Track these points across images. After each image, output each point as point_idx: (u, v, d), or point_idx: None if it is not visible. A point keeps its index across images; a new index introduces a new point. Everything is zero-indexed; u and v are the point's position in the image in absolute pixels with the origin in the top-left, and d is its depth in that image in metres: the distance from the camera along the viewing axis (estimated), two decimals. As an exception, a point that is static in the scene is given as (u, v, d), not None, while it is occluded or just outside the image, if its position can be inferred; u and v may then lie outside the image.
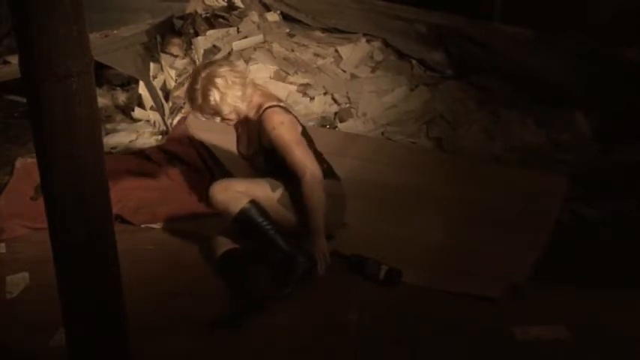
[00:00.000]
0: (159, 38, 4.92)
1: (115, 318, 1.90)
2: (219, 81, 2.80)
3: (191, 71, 3.04)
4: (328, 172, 2.99)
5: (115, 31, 5.14)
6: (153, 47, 4.85)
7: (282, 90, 4.47)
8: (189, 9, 5.29)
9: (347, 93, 4.50)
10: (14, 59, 4.73)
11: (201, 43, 4.87)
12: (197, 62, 4.68)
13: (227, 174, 3.60)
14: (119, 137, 4.38)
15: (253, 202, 2.83)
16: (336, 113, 4.38)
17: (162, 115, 4.40)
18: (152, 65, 4.71)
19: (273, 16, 5.19)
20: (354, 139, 4.08)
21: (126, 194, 3.44)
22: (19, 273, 2.93)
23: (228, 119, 2.90)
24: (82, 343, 1.90)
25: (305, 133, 2.98)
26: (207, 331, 2.53)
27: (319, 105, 4.46)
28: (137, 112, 4.62)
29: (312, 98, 4.49)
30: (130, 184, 3.53)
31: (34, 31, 1.57)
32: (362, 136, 4.14)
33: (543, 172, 3.70)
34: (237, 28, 5.00)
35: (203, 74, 2.83)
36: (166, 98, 4.49)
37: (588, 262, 2.97)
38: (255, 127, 2.94)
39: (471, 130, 4.14)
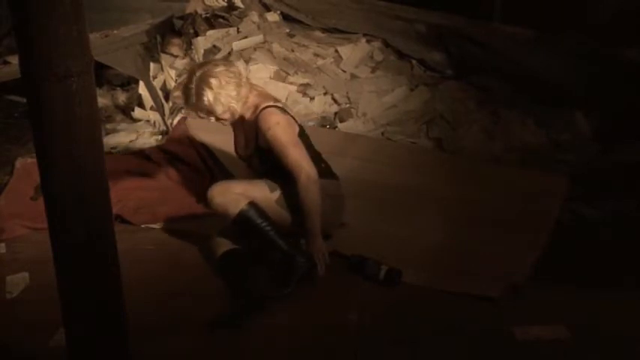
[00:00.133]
0: (159, 38, 4.92)
1: (115, 318, 1.90)
2: (213, 81, 2.80)
3: (187, 70, 3.04)
4: (326, 171, 2.99)
5: (115, 31, 5.14)
6: (153, 47, 4.85)
7: (282, 90, 4.47)
8: (189, 9, 5.30)
9: (347, 93, 4.50)
10: (14, 59, 4.73)
11: (202, 43, 4.87)
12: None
13: (227, 174, 3.61)
14: (119, 137, 4.38)
15: (252, 204, 2.83)
16: (336, 113, 4.38)
17: (163, 115, 4.40)
18: (152, 65, 4.71)
19: (273, 17, 5.19)
20: (354, 139, 4.08)
21: (126, 194, 3.44)
22: (19, 273, 2.93)
23: (222, 119, 2.90)
24: (82, 343, 1.90)
25: (303, 133, 2.98)
26: (207, 331, 2.53)
27: (319, 105, 4.46)
28: (137, 112, 4.62)
29: (312, 98, 4.49)
30: (130, 184, 3.53)
31: (34, 31, 1.57)
32: (362, 136, 4.14)
33: (543, 172, 3.70)
34: (237, 29, 5.01)
35: (198, 73, 2.83)
36: (166, 98, 4.49)
37: (588, 262, 2.97)
38: (252, 128, 2.94)
39: (471, 130, 4.14)
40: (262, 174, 2.98)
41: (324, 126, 4.30)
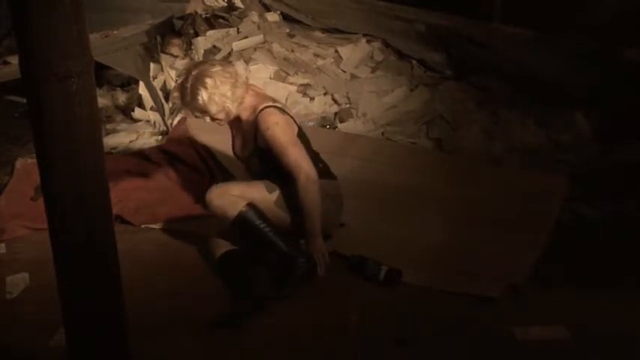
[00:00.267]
0: (159, 39, 4.92)
1: (115, 318, 1.90)
2: (208, 80, 2.80)
3: (184, 69, 3.04)
4: (325, 172, 2.99)
5: (115, 32, 5.14)
6: (153, 48, 4.85)
7: (282, 90, 4.47)
8: (189, 9, 5.30)
9: (347, 93, 4.50)
10: (14, 60, 4.73)
11: (202, 43, 4.87)
12: (197, 63, 4.68)
13: (227, 174, 3.61)
14: (119, 137, 4.38)
15: (251, 206, 2.83)
16: (336, 113, 4.38)
17: (163, 115, 4.41)
18: (152, 65, 4.72)
19: (273, 17, 5.20)
20: (354, 139, 4.08)
21: (126, 195, 3.44)
22: (19, 273, 2.93)
23: (217, 119, 2.90)
24: (82, 343, 1.90)
25: (302, 133, 2.98)
26: (207, 331, 2.53)
27: (319, 105, 4.46)
28: (137, 113, 4.62)
29: (312, 98, 4.49)
30: (130, 184, 3.53)
31: (34, 31, 1.57)
32: (362, 136, 4.14)
33: (543, 173, 3.70)
34: (237, 29, 5.01)
35: (194, 73, 2.83)
36: (166, 99, 4.49)
37: (588, 262, 2.97)
38: (251, 129, 2.94)
39: (470, 131, 4.14)
40: (261, 175, 2.98)
41: (324, 126, 4.30)
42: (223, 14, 5.18)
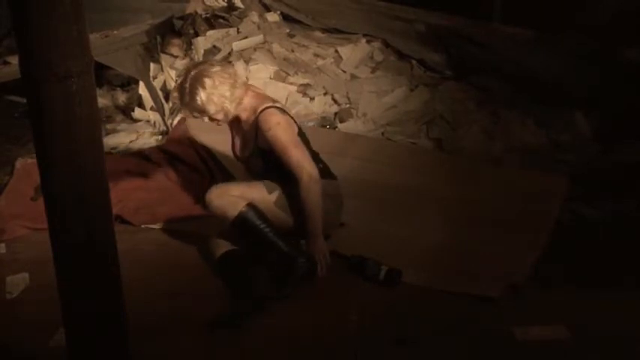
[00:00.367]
0: (159, 39, 4.92)
1: (115, 318, 1.90)
2: (206, 80, 2.80)
3: (184, 69, 3.04)
4: (324, 172, 2.99)
5: (115, 32, 5.15)
6: (153, 48, 4.85)
7: (283, 90, 4.47)
8: (190, 9, 5.30)
9: (347, 93, 4.50)
10: (14, 60, 4.73)
11: (202, 43, 4.87)
12: (197, 63, 4.68)
13: (227, 175, 3.61)
14: (119, 137, 4.38)
15: (251, 206, 2.83)
16: (336, 113, 4.38)
17: (163, 115, 4.41)
18: (152, 66, 4.72)
19: (273, 17, 5.20)
20: (354, 139, 4.08)
21: (126, 195, 3.44)
22: (19, 273, 2.93)
23: (215, 119, 2.90)
24: (82, 343, 1.90)
25: (301, 133, 2.98)
26: (207, 331, 2.53)
27: (319, 105, 4.46)
28: (137, 113, 4.62)
29: (312, 98, 4.49)
30: (130, 184, 3.53)
31: (34, 31, 1.57)
32: (362, 136, 4.14)
33: (543, 173, 3.70)
34: (237, 29, 5.01)
35: (193, 73, 2.83)
36: (166, 99, 4.49)
37: (588, 262, 2.97)
38: (251, 129, 2.94)
39: (470, 131, 4.14)
40: (261, 175, 2.98)
41: (324, 126, 4.30)
42: (223, 14, 5.18)
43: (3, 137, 4.41)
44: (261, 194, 2.89)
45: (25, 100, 1.72)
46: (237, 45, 4.80)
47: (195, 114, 2.90)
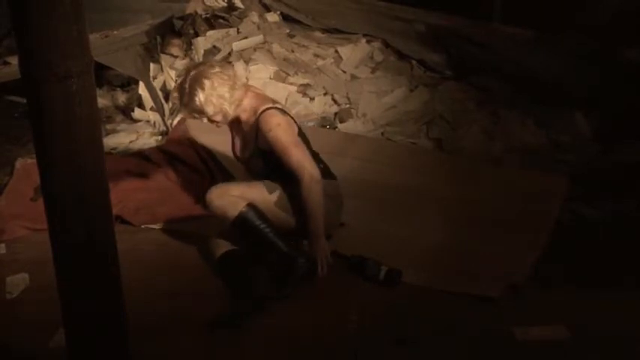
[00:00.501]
0: (159, 39, 4.92)
1: (115, 318, 1.90)
2: (205, 82, 2.81)
3: (184, 69, 3.05)
4: (324, 172, 2.99)
5: (115, 32, 5.15)
6: (153, 48, 4.85)
7: (282, 90, 4.47)
8: (189, 9, 5.30)
9: (347, 93, 4.50)
10: (14, 60, 4.73)
11: (201, 43, 4.87)
12: (197, 63, 4.68)
13: (227, 175, 3.61)
14: (119, 138, 4.38)
15: (251, 206, 2.83)
16: (336, 114, 4.38)
17: (162, 115, 4.41)
18: (152, 66, 4.72)
19: (273, 17, 5.20)
20: (353, 139, 4.08)
21: (126, 195, 3.44)
22: (19, 274, 2.93)
23: (214, 121, 2.90)
24: (82, 343, 1.90)
25: (301, 133, 2.98)
26: (207, 331, 2.53)
27: (319, 105, 4.46)
28: (137, 113, 4.62)
29: (312, 99, 4.49)
30: (130, 185, 3.53)
31: (34, 31, 1.57)
32: (362, 136, 4.14)
33: (543, 173, 3.70)
34: (237, 29, 5.01)
35: (192, 74, 2.84)
36: (166, 99, 4.49)
37: (588, 262, 2.97)
38: (252, 130, 2.94)
39: (470, 131, 4.14)
40: (262, 175, 2.98)
41: (324, 126, 4.30)
42: (223, 14, 5.18)
43: (3, 137, 4.41)
44: (262, 194, 2.89)
45: (25, 101, 1.72)
46: (237, 45, 4.80)
47: (195, 115, 2.90)
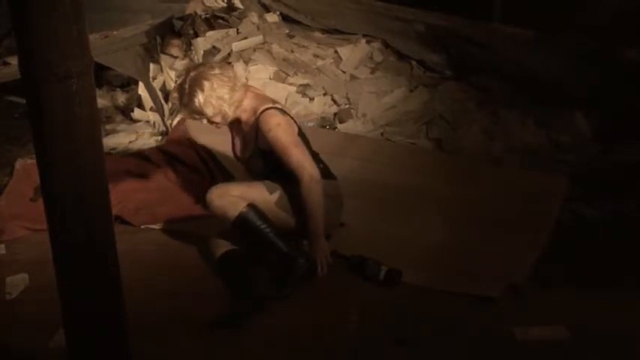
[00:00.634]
0: (159, 39, 4.92)
1: (115, 318, 1.90)
2: (205, 83, 2.81)
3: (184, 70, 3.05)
4: (324, 172, 2.99)
5: (115, 32, 5.15)
6: (153, 48, 4.85)
7: (282, 91, 4.47)
8: (189, 10, 5.30)
9: (346, 94, 4.50)
10: (14, 60, 4.73)
11: (201, 44, 4.87)
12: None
13: (227, 175, 3.61)
14: (119, 138, 4.38)
15: (251, 206, 2.83)
16: (335, 114, 4.38)
17: (162, 116, 4.41)
18: (152, 66, 4.72)
19: (272, 17, 5.20)
20: (353, 139, 4.08)
21: (126, 195, 3.44)
22: (18, 274, 2.93)
23: (214, 122, 2.91)
24: (82, 343, 1.90)
25: (301, 133, 2.98)
26: (207, 331, 2.53)
27: (319, 106, 4.46)
28: (137, 113, 4.62)
29: (311, 99, 4.49)
30: (129, 185, 3.53)
31: (34, 31, 1.57)
32: (361, 136, 4.14)
33: (543, 173, 3.70)
34: (237, 29, 5.01)
35: (192, 74, 2.84)
36: (166, 99, 4.49)
37: (588, 262, 2.97)
38: (252, 130, 2.94)
39: (470, 131, 4.14)
40: (262, 176, 2.98)
41: (323, 127, 4.30)
42: (223, 15, 5.17)
43: (3, 138, 4.41)
44: (262, 194, 2.89)
45: (24, 101, 1.72)
46: (236, 45, 4.80)
47: (194, 115, 2.90)
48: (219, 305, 2.68)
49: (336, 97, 4.49)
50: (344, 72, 4.69)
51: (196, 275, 2.92)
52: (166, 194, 3.54)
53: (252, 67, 4.62)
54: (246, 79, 4.47)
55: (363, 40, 4.94)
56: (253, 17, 5.11)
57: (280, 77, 4.60)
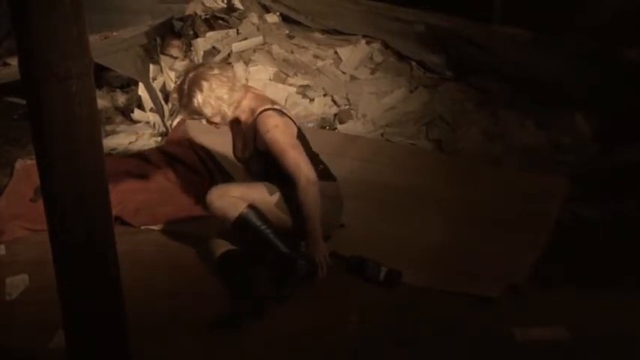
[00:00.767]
0: (158, 40, 4.92)
1: (115, 318, 1.90)
2: (204, 83, 2.81)
3: (183, 71, 3.05)
4: (324, 173, 2.99)
5: (115, 33, 5.15)
6: (152, 49, 4.85)
7: (282, 91, 4.48)
8: (189, 10, 5.30)
9: (346, 94, 4.50)
10: (14, 61, 4.73)
11: (201, 44, 4.87)
12: (197, 64, 4.68)
13: (227, 176, 3.61)
14: (119, 139, 4.38)
15: (251, 207, 2.83)
16: (335, 115, 4.38)
17: (162, 116, 4.41)
18: (152, 67, 4.72)
19: (272, 18, 5.20)
20: (353, 140, 4.08)
21: (126, 196, 3.44)
22: (18, 275, 2.93)
23: (213, 122, 2.91)
24: (82, 343, 1.90)
25: (301, 134, 2.98)
26: (207, 331, 2.53)
27: (319, 106, 4.46)
28: (137, 114, 4.62)
29: (311, 100, 4.49)
30: (129, 186, 3.53)
31: (34, 31, 1.57)
32: (361, 137, 4.14)
33: (543, 173, 3.70)
34: (237, 30, 5.01)
35: (191, 75, 2.84)
36: (166, 100, 4.49)
37: (588, 262, 2.97)
38: (250, 131, 2.94)
39: (470, 132, 4.14)
40: (261, 176, 2.98)
41: (323, 127, 4.30)
42: (223, 15, 5.18)
43: (2, 139, 4.40)
44: (262, 195, 2.89)
45: (24, 102, 1.72)
46: (236, 46, 4.80)
47: (194, 116, 2.91)
48: (219, 305, 2.68)
49: (336, 97, 4.49)
50: (344, 73, 4.69)
51: (196, 275, 2.92)
52: (166, 195, 3.54)
53: (252, 68, 4.62)
54: (246, 79, 4.47)
55: (363, 41, 4.94)
56: (253, 18, 5.12)
57: (280, 78, 4.60)
